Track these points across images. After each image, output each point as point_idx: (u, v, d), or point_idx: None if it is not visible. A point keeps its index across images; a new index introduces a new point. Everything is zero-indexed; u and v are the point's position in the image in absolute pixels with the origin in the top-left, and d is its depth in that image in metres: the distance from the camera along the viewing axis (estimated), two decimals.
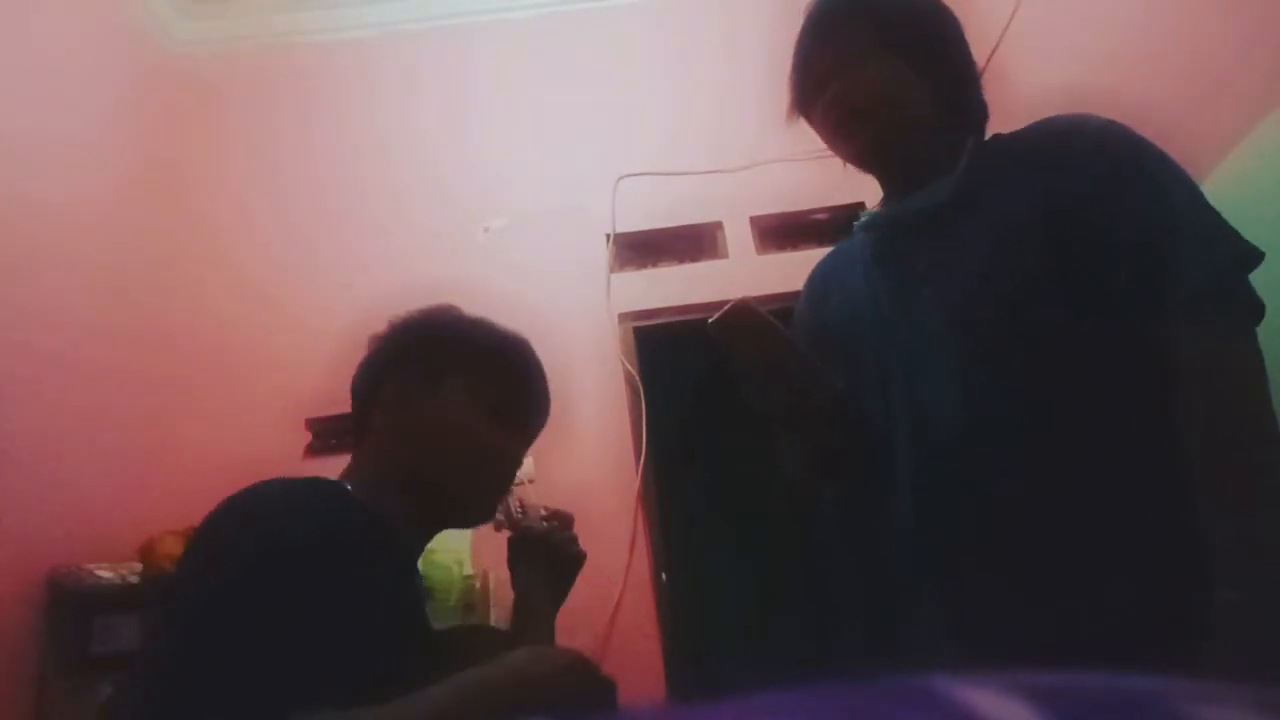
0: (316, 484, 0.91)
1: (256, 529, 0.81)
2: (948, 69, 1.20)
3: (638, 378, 2.63)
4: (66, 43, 2.41)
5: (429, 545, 1.07)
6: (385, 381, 1.04)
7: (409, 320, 1.10)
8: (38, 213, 2.15)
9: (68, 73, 2.39)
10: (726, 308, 1.10)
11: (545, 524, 1.14)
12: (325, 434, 2.55)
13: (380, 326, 1.11)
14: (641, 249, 2.84)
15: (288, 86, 3.02)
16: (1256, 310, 1.00)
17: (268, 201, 2.89)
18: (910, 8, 1.21)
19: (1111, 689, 0.20)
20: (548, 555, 1.12)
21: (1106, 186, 1.05)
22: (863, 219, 1.29)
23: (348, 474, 1.01)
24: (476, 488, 1.03)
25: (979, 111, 1.22)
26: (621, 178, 2.82)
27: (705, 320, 1.12)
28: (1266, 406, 0.96)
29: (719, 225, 2.84)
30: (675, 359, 2.73)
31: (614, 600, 2.39)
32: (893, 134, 1.17)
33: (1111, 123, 1.12)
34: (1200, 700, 0.19)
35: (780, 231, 2.84)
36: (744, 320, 1.10)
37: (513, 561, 1.14)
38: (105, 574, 1.98)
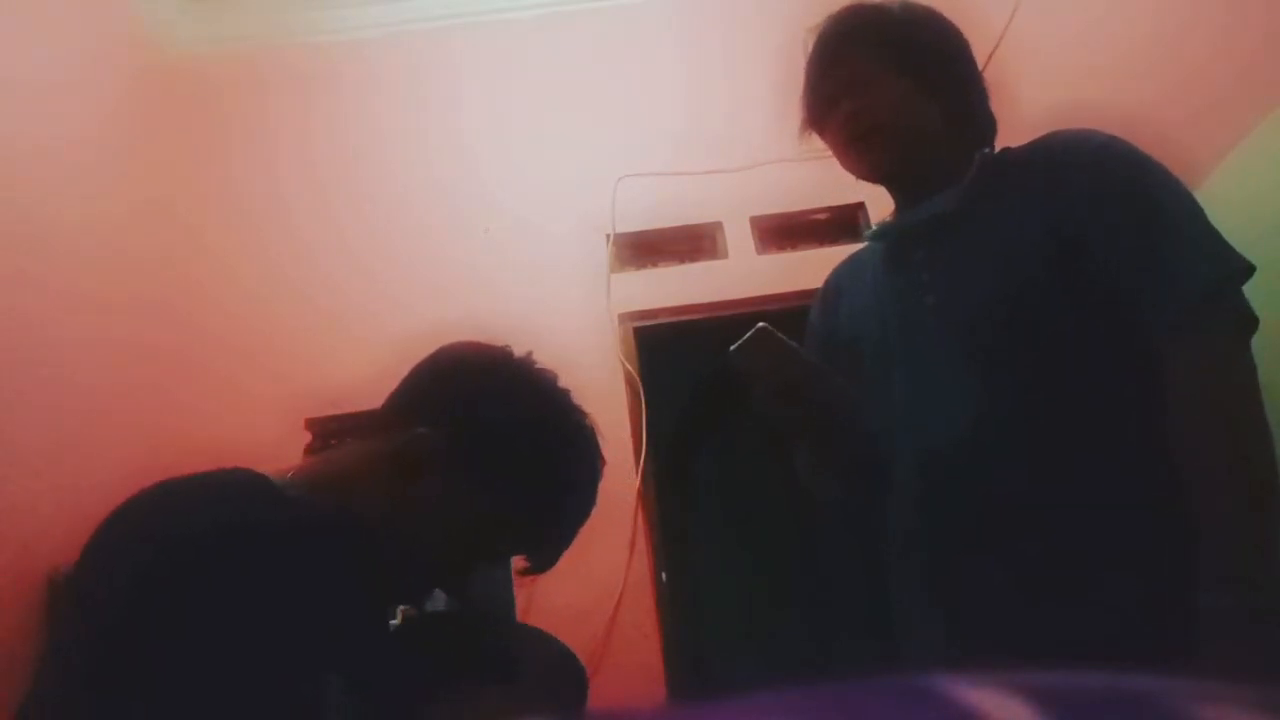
0: (219, 488, 0.79)
1: (135, 557, 0.72)
2: (955, 86, 1.23)
3: (638, 378, 2.63)
4: (66, 42, 2.40)
5: None
6: (427, 451, 0.87)
7: (500, 394, 0.91)
8: (36, 214, 2.15)
9: (67, 73, 2.39)
10: (747, 335, 1.11)
11: None
12: (325, 434, 2.55)
13: (464, 354, 0.95)
14: (641, 249, 2.84)
15: (288, 86, 3.02)
16: (1250, 322, 1.02)
17: (267, 202, 2.89)
18: (918, 29, 1.24)
19: (1111, 689, 0.20)
20: None
21: (1106, 201, 1.08)
22: (873, 229, 1.33)
23: (311, 469, 0.91)
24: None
25: (987, 125, 1.25)
26: (622, 178, 2.82)
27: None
28: (1258, 417, 0.98)
29: (719, 225, 2.84)
30: (675, 359, 2.73)
31: (614, 600, 2.39)
32: (901, 152, 1.20)
33: (1113, 138, 1.15)
34: (1200, 700, 0.19)
35: (780, 231, 2.84)
36: (765, 346, 1.12)
37: None
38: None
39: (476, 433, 0.88)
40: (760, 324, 1.11)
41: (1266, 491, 0.95)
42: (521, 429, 0.89)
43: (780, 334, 1.12)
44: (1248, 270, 1.02)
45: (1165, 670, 0.21)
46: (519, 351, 0.95)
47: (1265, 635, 0.90)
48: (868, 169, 1.24)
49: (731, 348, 1.12)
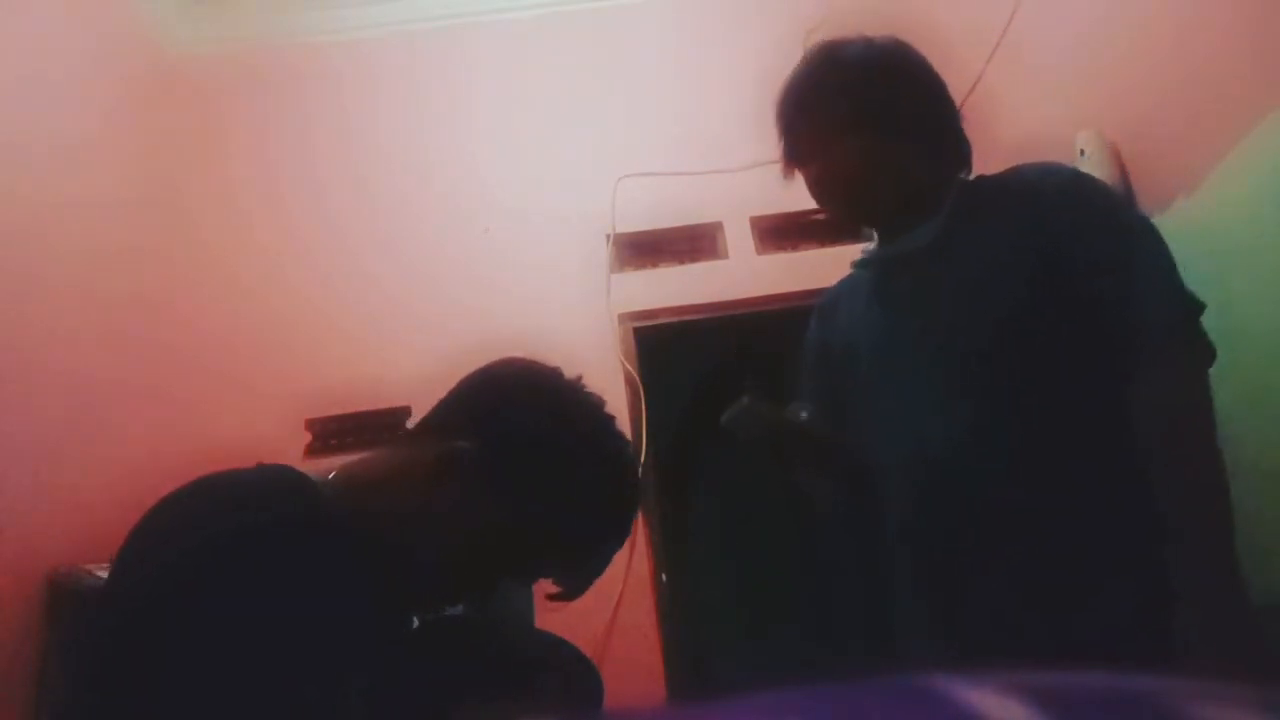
0: (259, 485, 0.81)
1: (170, 558, 0.73)
2: (921, 123, 1.24)
3: (638, 378, 2.63)
4: (66, 42, 2.41)
5: None
6: (460, 462, 0.86)
7: (540, 415, 0.91)
8: (35, 214, 2.15)
9: (67, 73, 2.39)
10: (734, 408, 1.17)
11: None
12: (325, 435, 2.55)
13: (518, 371, 0.95)
14: (641, 249, 2.84)
15: (288, 86, 3.02)
16: (1208, 353, 1.09)
17: (266, 203, 2.89)
18: (881, 75, 1.23)
19: (1111, 689, 0.20)
20: None
21: (1085, 218, 1.13)
22: (859, 258, 1.37)
23: (349, 472, 0.91)
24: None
25: (962, 151, 1.28)
26: (621, 178, 2.82)
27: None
28: (1211, 441, 1.04)
29: (719, 225, 2.84)
30: (675, 359, 2.73)
31: (614, 600, 2.39)
32: (871, 203, 1.24)
33: (1079, 173, 1.24)
34: (1200, 700, 0.19)
35: (780, 231, 2.84)
36: (752, 416, 1.17)
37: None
38: (105, 574, 1.98)
39: (511, 450, 0.87)
40: (744, 398, 1.16)
41: (1228, 505, 1.01)
42: (554, 450, 0.89)
43: (764, 403, 1.17)
44: (1201, 306, 1.09)
45: (1165, 670, 0.21)
46: (569, 374, 0.96)
47: (1245, 638, 0.93)
48: (840, 222, 1.31)
49: (722, 418, 1.18)
